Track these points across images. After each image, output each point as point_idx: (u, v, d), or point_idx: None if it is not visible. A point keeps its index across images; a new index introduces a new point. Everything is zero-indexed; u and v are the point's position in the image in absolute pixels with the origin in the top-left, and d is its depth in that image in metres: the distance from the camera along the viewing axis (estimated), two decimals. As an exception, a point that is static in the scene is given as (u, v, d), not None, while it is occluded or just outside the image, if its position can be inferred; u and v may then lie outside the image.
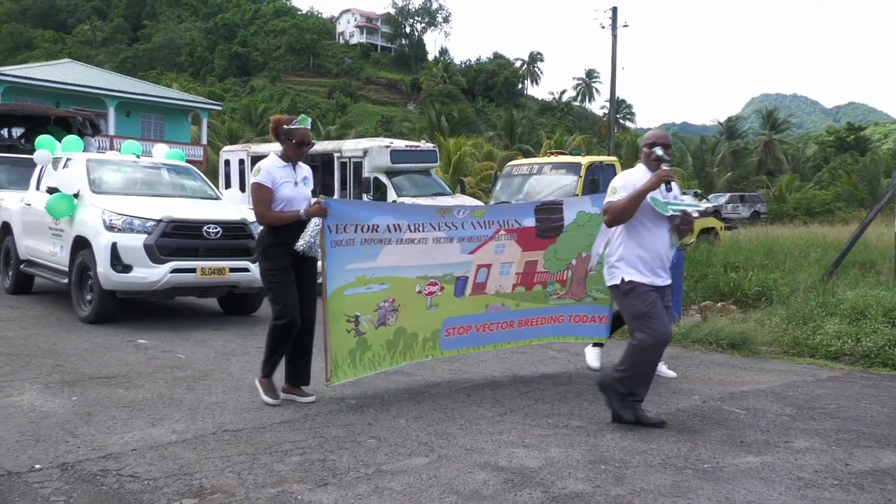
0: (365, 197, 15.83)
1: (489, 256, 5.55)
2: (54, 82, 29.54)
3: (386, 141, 17.57)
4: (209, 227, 7.78)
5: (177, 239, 7.65)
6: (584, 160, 14.34)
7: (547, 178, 14.38)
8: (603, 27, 33.56)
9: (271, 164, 4.96)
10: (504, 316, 5.75)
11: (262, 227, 5.05)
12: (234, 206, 8.76)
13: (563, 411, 4.99)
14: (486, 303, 5.64)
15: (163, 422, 4.49)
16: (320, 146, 17.86)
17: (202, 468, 3.72)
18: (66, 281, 8.27)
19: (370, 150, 16.58)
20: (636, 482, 3.68)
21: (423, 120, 62.80)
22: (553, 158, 15.38)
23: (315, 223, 4.82)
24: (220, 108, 43.80)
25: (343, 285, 4.99)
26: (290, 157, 5.02)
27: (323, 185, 16.83)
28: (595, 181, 13.88)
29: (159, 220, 7.60)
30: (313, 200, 4.97)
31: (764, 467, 3.95)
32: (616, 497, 3.48)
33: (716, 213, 28.80)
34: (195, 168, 9.96)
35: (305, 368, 5.11)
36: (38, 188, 9.40)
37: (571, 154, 17.07)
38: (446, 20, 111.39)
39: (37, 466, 3.69)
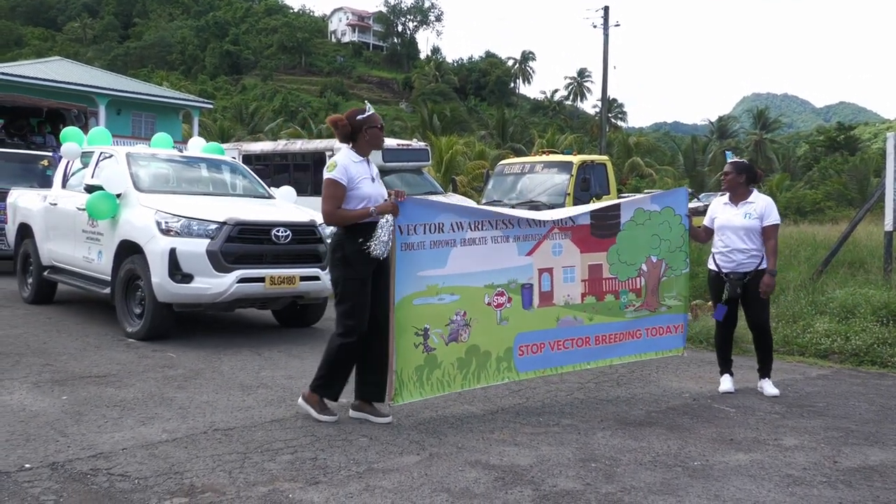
0: None
1: (548, 259, 5.16)
2: (45, 80, 29.29)
3: (378, 140, 17.54)
4: (278, 230, 6.92)
5: (243, 244, 6.79)
6: (576, 159, 14.40)
7: (539, 176, 14.42)
8: (595, 26, 33.78)
9: (347, 159, 4.58)
10: (578, 332, 5.28)
11: (335, 231, 4.61)
12: (296, 207, 7.93)
13: (554, 410, 5.01)
14: (557, 316, 5.19)
15: (153, 421, 4.48)
16: (312, 145, 17.84)
17: (193, 467, 3.72)
18: (105, 291, 7.38)
19: (362, 149, 16.54)
20: (626, 480, 3.70)
21: (415, 119, 62.72)
22: (545, 157, 15.43)
23: (388, 222, 4.39)
24: (211, 106, 43.65)
25: (412, 293, 4.55)
26: (364, 152, 4.68)
27: (314, 184, 16.81)
28: (587, 180, 13.95)
29: (223, 223, 6.74)
30: (385, 196, 4.58)
31: (753, 465, 3.98)
32: (606, 495, 3.50)
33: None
34: (241, 164, 9.33)
35: (383, 382, 4.59)
36: (64, 185, 8.59)
37: (563, 153, 17.09)
38: (438, 19, 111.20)
39: (26, 466, 3.68)
